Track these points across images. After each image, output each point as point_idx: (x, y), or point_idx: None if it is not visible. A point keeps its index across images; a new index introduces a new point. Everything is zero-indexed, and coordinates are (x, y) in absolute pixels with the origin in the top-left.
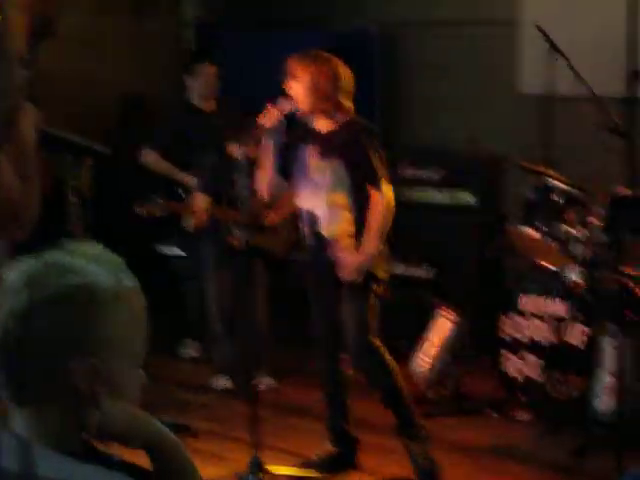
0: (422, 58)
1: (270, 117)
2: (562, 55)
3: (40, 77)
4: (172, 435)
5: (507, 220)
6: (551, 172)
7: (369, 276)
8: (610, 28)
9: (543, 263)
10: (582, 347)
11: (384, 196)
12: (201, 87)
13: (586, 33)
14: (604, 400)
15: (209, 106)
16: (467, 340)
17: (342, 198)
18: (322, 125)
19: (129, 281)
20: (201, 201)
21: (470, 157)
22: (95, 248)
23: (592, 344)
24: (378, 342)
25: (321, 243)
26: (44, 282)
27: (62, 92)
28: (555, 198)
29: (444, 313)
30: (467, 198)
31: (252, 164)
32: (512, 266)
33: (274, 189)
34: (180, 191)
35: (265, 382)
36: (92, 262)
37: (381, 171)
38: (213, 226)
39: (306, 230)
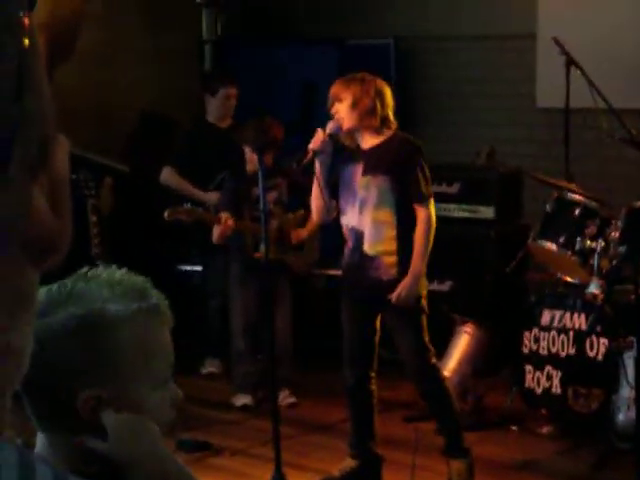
0: (439, 72)
1: (317, 140)
2: (579, 68)
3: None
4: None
5: (526, 234)
6: (570, 185)
7: (418, 297)
8: (627, 41)
9: (563, 276)
10: (602, 360)
11: (429, 214)
12: (221, 108)
13: (603, 46)
14: (625, 413)
15: (225, 123)
16: (488, 354)
17: (387, 215)
18: (367, 141)
19: (148, 301)
20: (226, 216)
21: (489, 171)
22: (115, 272)
23: (613, 357)
24: (435, 360)
25: (363, 261)
26: (61, 308)
27: (79, 110)
28: (574, 211)
29: (464, 327)
30: (486, 212)
31: (272, 176)
32: (532, 279)
33: (325, 212)
34: (200, 209)
35: (286, 399)
36: (106, 287)
37: (427, 189)
38: (237, 241)
39: (350, 247)
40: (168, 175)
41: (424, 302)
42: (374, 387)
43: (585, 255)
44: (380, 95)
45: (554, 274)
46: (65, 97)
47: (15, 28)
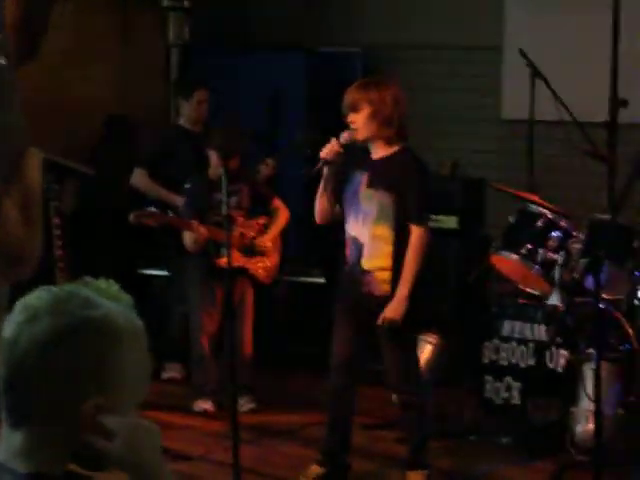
0: (405, 81)
1: (330, 150)
2: (544, 80)
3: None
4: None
5: (489, 244)
6: (533, 197)
7: (411, 315)
8: (592, 54)
9: (524, 287)
10: (562, 372)
11: (423, 237)
12: (194, 111)
13: (568, 58)
14: (583, 425)
15: (197, 127)
16: (448, 364)
17: (385, 231)
18: (378, 151)
19: (138, 320)
20: (197, 223)
21: (452, 181)
22: (110, 285)
23: (572, 369)
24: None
25: (360, 273)
26: (67, 311)
27: (43, 111)
28: (536, 222)
29: (426, 337)
30: (449, 222)
31: (235, 181)
32: (494, 290)
33: (329, 216)
34: (169, 212)
35: (247, 405)
36: (107, 298)
37: (426, 210)
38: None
39: (350, 257)
40: (139, 177)
41: (420, 322)
42: (355, 397)
43: (547, 267)
44: (398, 103)
45: (516, 285)
46: (30, 97)
47: None
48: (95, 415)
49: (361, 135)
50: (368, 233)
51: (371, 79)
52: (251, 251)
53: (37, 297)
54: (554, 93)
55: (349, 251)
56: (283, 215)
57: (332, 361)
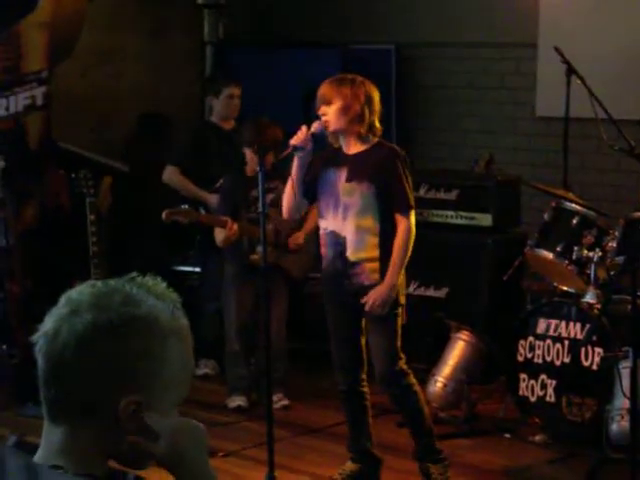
0: (439, 79)
1: (300, 137)
2: (579, 77)
3: (59, 94)
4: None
5: (524, 242)
6: (568, 194)
7: (393, 303)
8: (628, 51)
9: (559, 285)
10: (597, 370)
11: (410, 224)
12: (225, 108)
13: (603, 55)
14: (618, 423)
15: (229, 125)
16: (483, 362)
17: (370, 222)
18: (351, 147)
19: (184, 319)
20: (231, 221)
21: (487, 178)
22: (156, 283)
23: (608, 367)
24: (405, 366)
25: (346, 266)
26: (109, 307)
27: (80, 109)
28: (571, 220)
29: (460, 334)
30: (484, 219)
31: (272, 178)
32: (529, 288)
33: (295, 210)
34: (202, 209)
35: (280, 401)
36: (152, 296)
37: (410, 199)
38: (233, 243)
39: (330, 252)
40: (171, 174)
41: (400, 310)
42: (366, 389)
43: (582, 264)
44: (369, 101)
45: (550, 283)
46: (66, 96)
47: None
48: (134, 413)
49: (331, 127)
50: (352, 226)
51: (347, 75)
52: (284, 248)
53: (80, 292)
54: (589, 90)
55: (325, 248)
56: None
57: (336, 360)
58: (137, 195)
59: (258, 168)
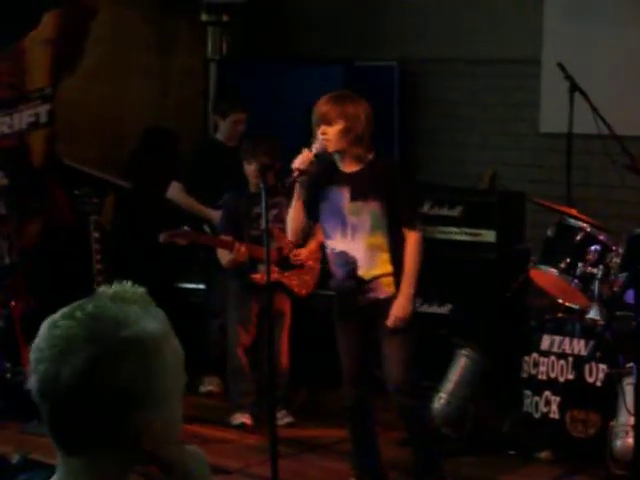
0: (442, 95)
1: (304, 160)
2: (583, 94)
3: (64, 111)
4: None
5: (528, 258)
6: (571, 210)
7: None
8: (631, 67)
9: (563, 301)
10: (602, 386)
11: (419, 237)
12: (229, 131)
13: (607, 72)
14: (623, 440)
15: (232, 143)
16: (486, 378)
17: (380, 239)
18: (349, 165)
19: (161, 312)
20: (239, 244)
21: (491, 195)
22: (128, 288)
23: (612, 383)
24: (420, 382)
25: (360, 285)
26: (103, 336)
27: (83, 126)
28: (575, 236)
29: (463, 351)
30: (488, 235)
31: (275, 194)
32: (532, 304)
33: (302, 232)
34: (205, 227)
35: (284, 418)
36: (134, 306)
37: (416, 212)
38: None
39: (340, 272)
40: (175, 191)
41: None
42: (372, 404)
43: (586, 281)
44: (369, 121)
45: (554, 299)
46: (69, 112)
47: None
48: (148, 430)
49: (332, 147)
50: (362, 245)
51: (344, 93)
52: (287, 264)
53: (65, 327)
54: (593, 106)
55: (335, 267)
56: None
57: (344, 376)
58: (140, 212)
59: (261, 185)
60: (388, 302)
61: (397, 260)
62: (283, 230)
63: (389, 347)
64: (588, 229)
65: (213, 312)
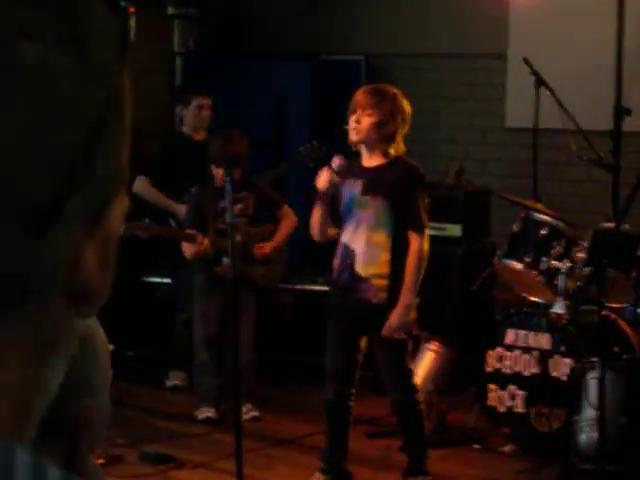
0: (409, 90)
1: (324, 180)
2: (548, 89)
3: None
4: None
5: (493, 253)
6: (537, 205)
7: (407, 327)
8: (596, 62)
9: (528, 296)
10: (566, 380)
11: (422, 244)
12: (195, 118)
13: (572, 67)
14: (587, 434)
15: (199, 135)
16: (452, 372)
17: (382, 237)
18: (371, 159)
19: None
20: (201, 236)
21: (457, 189)
22: None
23: (576, 377)
24: (414, 383)
25: (354, 281)
26: None
27: None
28: (540, 231)
29: (429, 345)
30: (453, 230)
31: (240, 189)
32: (497, 298)
33: (325, 232)
34: (171, 221)
35: (249, 412)
36: None
37: (425, 219)
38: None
39: (339, 264)
40: (141, 185)
41: (412, 329)
42: (352, 404)
43: (550, 275)
44: (403, 122)
45: (519, 293)
46: None
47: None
48: (90, 415)
49: (359, 137)
50: (363, 240)
51: (390, 89)
52: (252, 258)
53: None
54: (558, 101)
55: (336, 259)
56: (288, 222)
57: (328, 369)
58: None
59: (226, 179)
60: (379, 310)
61: (397, 263)
62: (248, 223)
63: (383, 357)
64: (553, 223)
65: (179, 306)
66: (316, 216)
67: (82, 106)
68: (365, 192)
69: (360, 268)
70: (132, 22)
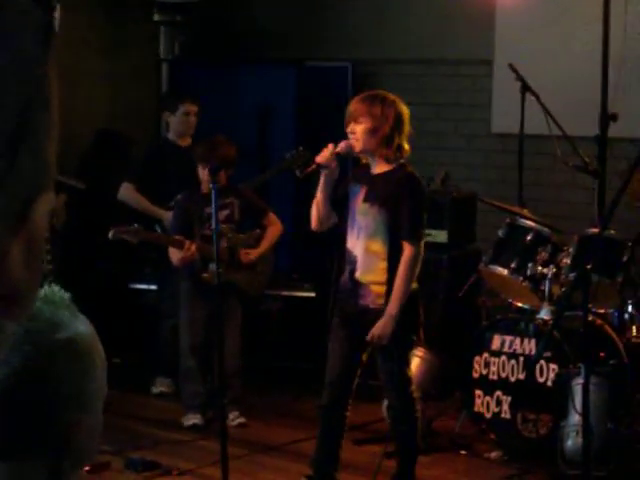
0: (395, 95)
1: (325, 155)
2: (534, 94)
3: None
4: None
5: (479, 258)
6: (522, 211)
7: (406, 330)
8: (581, 68)
9: (514, 302)
10: (552, 386)
11: (414, 253)
12: (181, 125)
13: (558, 73)
14: (573, 440)
15: (185, 142)
16: (438, 378)
17: (378, 246)
18: (378, 167)
19: (92, 327)
20: (189, 242)
21: (443, 195)
22: (57, 291)
23: (562, 383)
24: (415, 392)
25: (354, 286)
26: (39, 339)
27: None
28: (526, 237)
29: (415, 351)
30: (439, 236)
31: (225, 195)
32: (483, 304)
33: (324, 220)
34: (157, 227)
35: (236, 419)
36: (64, 310)
37: (420, 230)
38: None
39: (346, 269)
40: (126, 191)
41: (415, 336)
42: (348, 414)
43: (536, 281)
44: (399, 122)
45: (505, 299)
46: None
47: (25, 75)
48: (78, 430)
49: (358, 147)
50: (362, 247)
51: (377, 92)
52: (238, 265)
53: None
54: (544, 107)
55: (347, 264)
56: (274, 229)
57: (326, 376)
58: (92, 212)
59: (211, 185)
60: (378, 316)
61: (394, 271)
62: (234, 230)
63: (381, 366)
64: (539, 229)
65: (165, 313)
66: (315, 205)
67: (2, 99)
68: (366, 200)
69: (359, 274)
70: (57, 13)
